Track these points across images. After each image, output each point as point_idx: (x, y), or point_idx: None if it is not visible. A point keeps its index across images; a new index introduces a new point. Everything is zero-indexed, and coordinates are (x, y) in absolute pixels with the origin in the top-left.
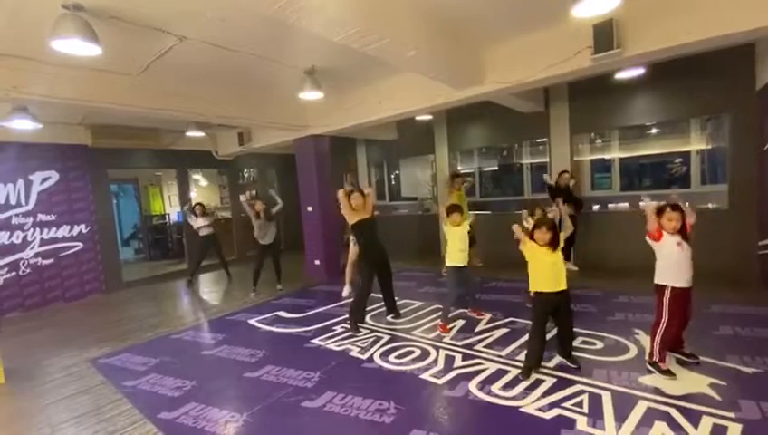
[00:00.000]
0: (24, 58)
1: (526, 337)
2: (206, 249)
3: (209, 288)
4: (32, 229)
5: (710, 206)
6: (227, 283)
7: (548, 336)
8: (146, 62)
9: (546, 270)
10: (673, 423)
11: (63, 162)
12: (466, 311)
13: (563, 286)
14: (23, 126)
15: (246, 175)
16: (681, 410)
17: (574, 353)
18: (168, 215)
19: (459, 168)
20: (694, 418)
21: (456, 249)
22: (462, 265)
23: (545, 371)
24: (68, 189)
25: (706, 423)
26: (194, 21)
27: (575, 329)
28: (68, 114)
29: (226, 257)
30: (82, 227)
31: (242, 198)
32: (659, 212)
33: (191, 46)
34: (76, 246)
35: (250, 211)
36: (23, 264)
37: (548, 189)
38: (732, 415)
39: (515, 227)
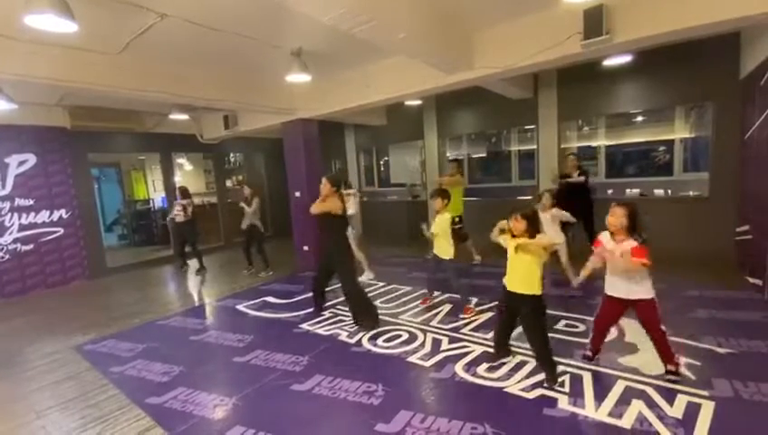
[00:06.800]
0: None
1: None
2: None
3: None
4: (9, 214)
5: (691, 193)
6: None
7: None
8: (125, 41)
9: (509, 261)
10: (650, 401)
11: (41, 145)
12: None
13: (522, 290)
14: None
15: (233, 159)
16: (657, 388)
17: (558, 378)
18: (153, 200)
19: (448, 154)
20: (669, 396)
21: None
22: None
23: (529, 353)
24: (46, 173)
25: (681, 401)
26: None
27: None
28: (45, 94)
29: (213, 243)
30: (63, 211)
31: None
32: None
33: (173, 25)
34: (57, 232)
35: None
36: (1, 250)
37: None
38: (705, 393)
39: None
